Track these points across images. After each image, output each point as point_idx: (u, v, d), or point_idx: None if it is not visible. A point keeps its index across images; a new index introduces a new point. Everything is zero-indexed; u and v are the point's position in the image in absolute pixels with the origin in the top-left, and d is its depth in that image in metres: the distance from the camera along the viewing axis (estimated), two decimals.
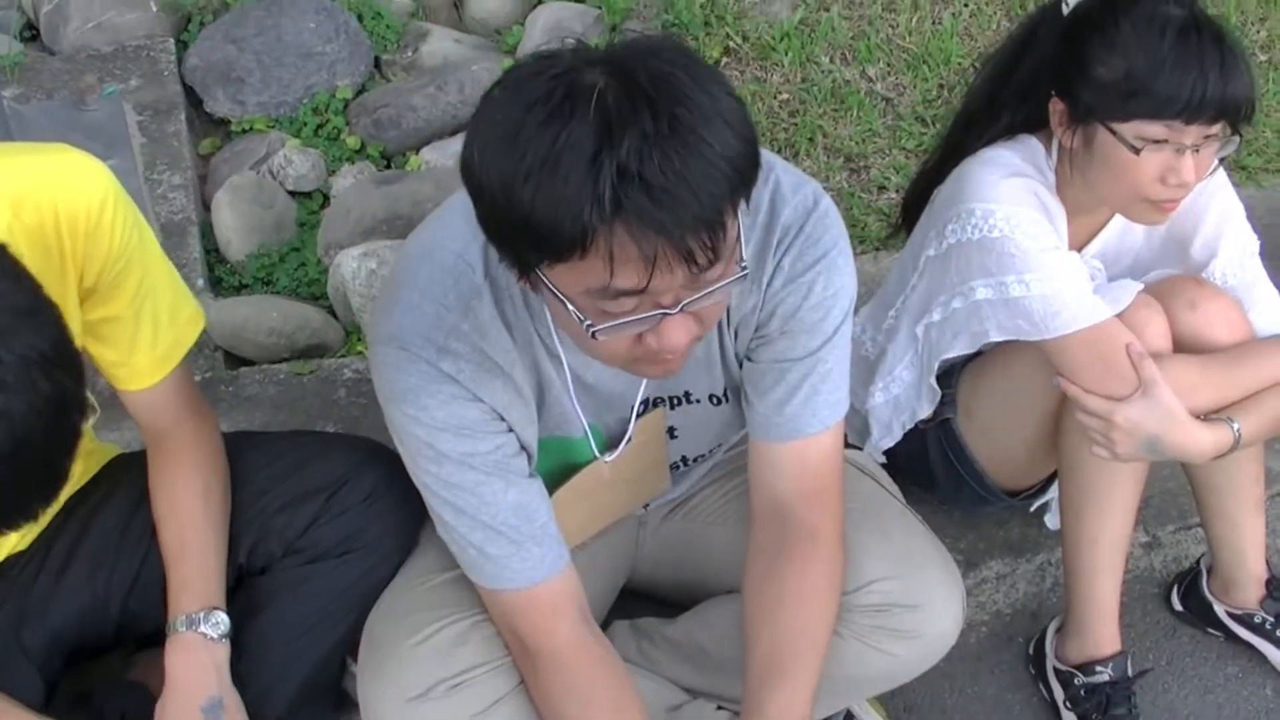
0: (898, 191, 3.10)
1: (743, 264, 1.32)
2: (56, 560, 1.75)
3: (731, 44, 3.47)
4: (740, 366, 1.65)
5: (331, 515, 1.72)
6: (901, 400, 2.14)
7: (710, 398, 1.70)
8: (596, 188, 1.17)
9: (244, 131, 3.35)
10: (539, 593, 1.58)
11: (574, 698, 1.60)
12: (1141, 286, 1.89)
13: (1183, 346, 1.87)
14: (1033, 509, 2.25)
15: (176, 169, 3.14)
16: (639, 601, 2.03)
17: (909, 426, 2.14)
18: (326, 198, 3.17)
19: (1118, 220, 2.02)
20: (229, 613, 1.69)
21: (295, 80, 3.40)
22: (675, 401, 1.70)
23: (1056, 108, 1.86)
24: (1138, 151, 1.77)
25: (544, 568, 1.58)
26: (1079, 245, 2.01)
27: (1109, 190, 1.87)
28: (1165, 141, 1.76)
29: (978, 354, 2.07)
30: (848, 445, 2.08)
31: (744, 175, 1.25)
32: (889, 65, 3.40)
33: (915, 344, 2.07)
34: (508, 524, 1.55)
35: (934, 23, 3.50)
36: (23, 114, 3.01)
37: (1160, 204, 1.83)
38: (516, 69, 1.28)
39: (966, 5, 3.54)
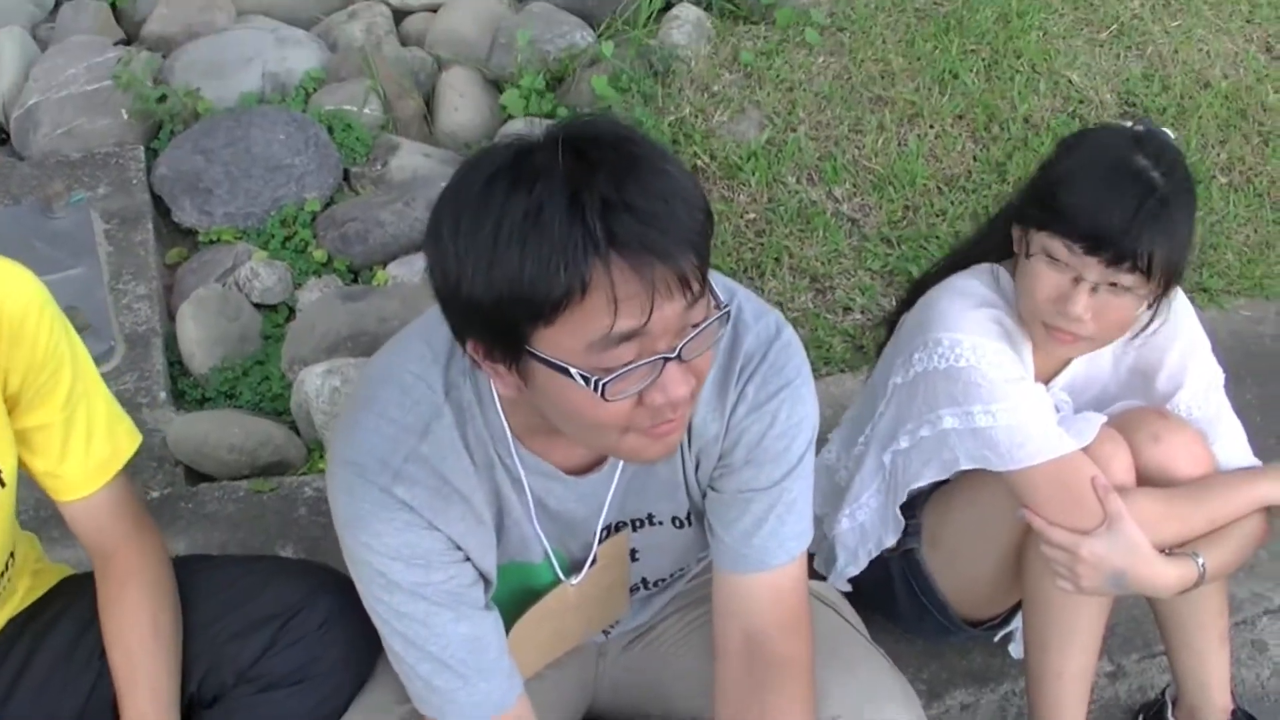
0: (862, 313, 3.12)
1: (725, 305, 1.34)
2: (4, 683, 1.71)
3: (699, 163, 3.50)
4: (704, 495, 1.65)
5: (284, 644, 1.69)
6: (867, 528, 2.13)
7: (673, 520, 1.68)
8: (584, 224, 1.20)
9: (211, 242, 3.35)
10: None
11: None
12: (1105, 419, 1.90)
13: (1147, 480, 1.88)
14: (996, 639, 2.23)
15: (142, 279, 3.13)
16: None
17: (874, 554, 2.13)
18: (293, 310, 3.16)
19: None
20: None
21: (263, 192, 3.40)
22: (638, 524, 1.68)
23: (1015, 230, 1.90)
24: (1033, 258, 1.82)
25: (491, 703, 1.56)
26: (1047, 376, 2.02)
27: (1021, 304, 1.90)
28: (1065, 265, 1.79)
29: (943, 483, 2.07)
30: (812, 574, 2.08)
31: (709, 217, 1.30)
32: (855, 186, 3.44)
33: (882, 471, 2.07)
34: (456, 657, 1.53)
35: (899, 144, 3.55)
36: None
37: (1052, 329, 1.86)
38: (464, 163, 1.32)
39: (932, 127, 3.59)
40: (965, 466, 1.89)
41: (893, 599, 2.16)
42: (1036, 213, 1.84)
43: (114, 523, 1.69)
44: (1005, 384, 1.85)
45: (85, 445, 1.63)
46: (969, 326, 1.89)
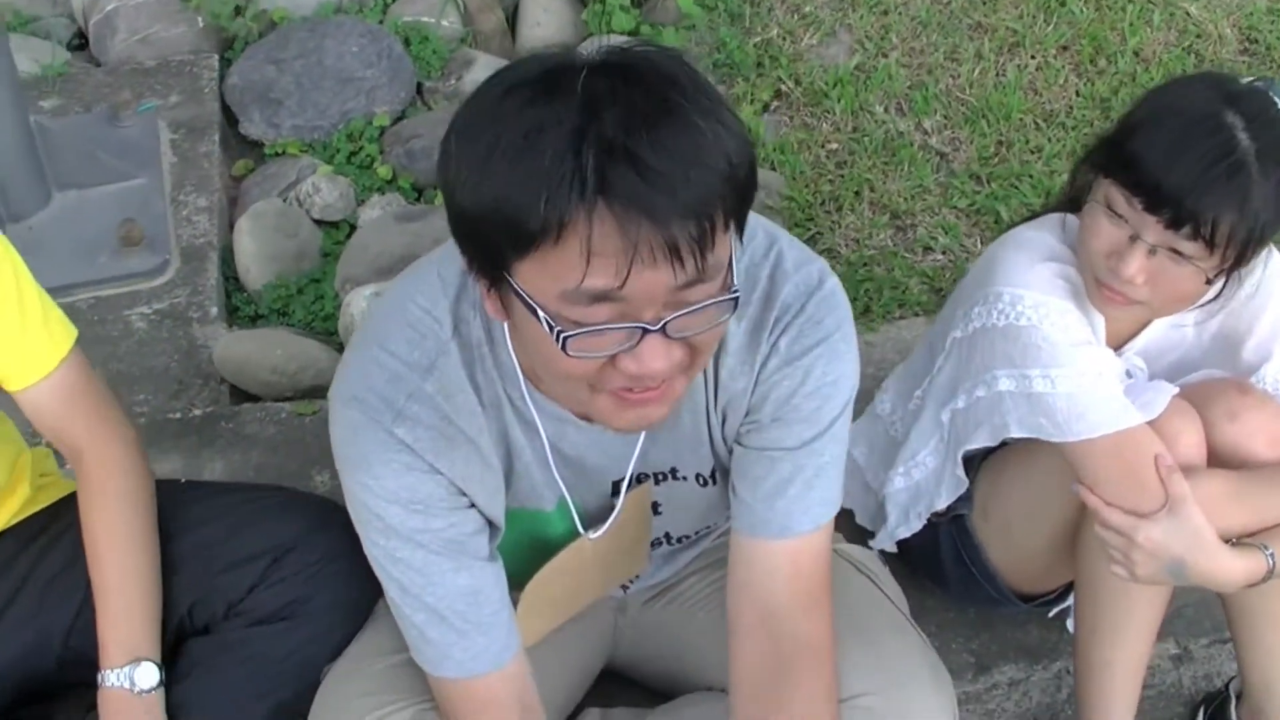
0: (944, 253, 2.95)
1: (734, 289, 1.21)
2: (4, 594, 1.72)
3: (783, 88, 3.35)
4: (730, 452, 1.53)
5: (275, 580, 1.68)
6: (922, 487, 2.00)
7: (697, 477, 1.58)
8: (578, 160, 1.09)
9: (277, 155, 3.28)
10: (477, 686, 1.49)
11: None
12: (1177, 390, 1.74)
13: (1219, 460, 1.72)
14: (1051, 614, 2.09)
15: (204, 191, 3.07)
16: (620, 685, 1.92)
17: (925, 516, 2.00)
18: (354, 228, 3.08)
19: None
20: (169, 669, 1.65)
21: (332, 105, 3.32)
22: (660, 477, 1.58)
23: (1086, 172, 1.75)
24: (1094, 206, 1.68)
25: (486, 659, 1.49)
26: (1122, 339, 1.86)
27: (1078, 253, 1.74)
28: (1124, 220, 1.63)
29: (998, 448, 1.93)
30: (851, 535, 1.96)
31: (740, 183, 1.16)
32: (946, 118, 3.26)
33: (941, 430, 1.93)
34: (453, 609, 1.46)
35: (997, 75, 3.35)
36: (49, 129, 2.96)
37: (1103, 286, 1.70)
38: (497, 70, 1.21)
39: (1033, 58, 3.38)
40: (1016, 434, 1.75)
41: (940, 565, 2.03)
42: (1105, 156, 1.68)
43: (70, 412, 1.68)
44: (1068, 348, 1.71)
45: (20, 332, 1.62)
46: (1033, 282, 1.74)
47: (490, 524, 1.49)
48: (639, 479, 1.57)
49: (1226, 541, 1.68)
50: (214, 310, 2.78)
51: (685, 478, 1.58)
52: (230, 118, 3.39)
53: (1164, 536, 1.66)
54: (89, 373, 1.72)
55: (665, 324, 1.18)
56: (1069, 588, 1.99)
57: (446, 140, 1.20)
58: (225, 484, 1.98)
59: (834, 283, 1.46)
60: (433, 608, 1.46)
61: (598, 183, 1.09)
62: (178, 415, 2.53)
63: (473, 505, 1.45)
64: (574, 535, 1.59)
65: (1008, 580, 1.97)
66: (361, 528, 1.46)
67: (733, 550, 1.56)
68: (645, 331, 1.18)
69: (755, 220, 1.46)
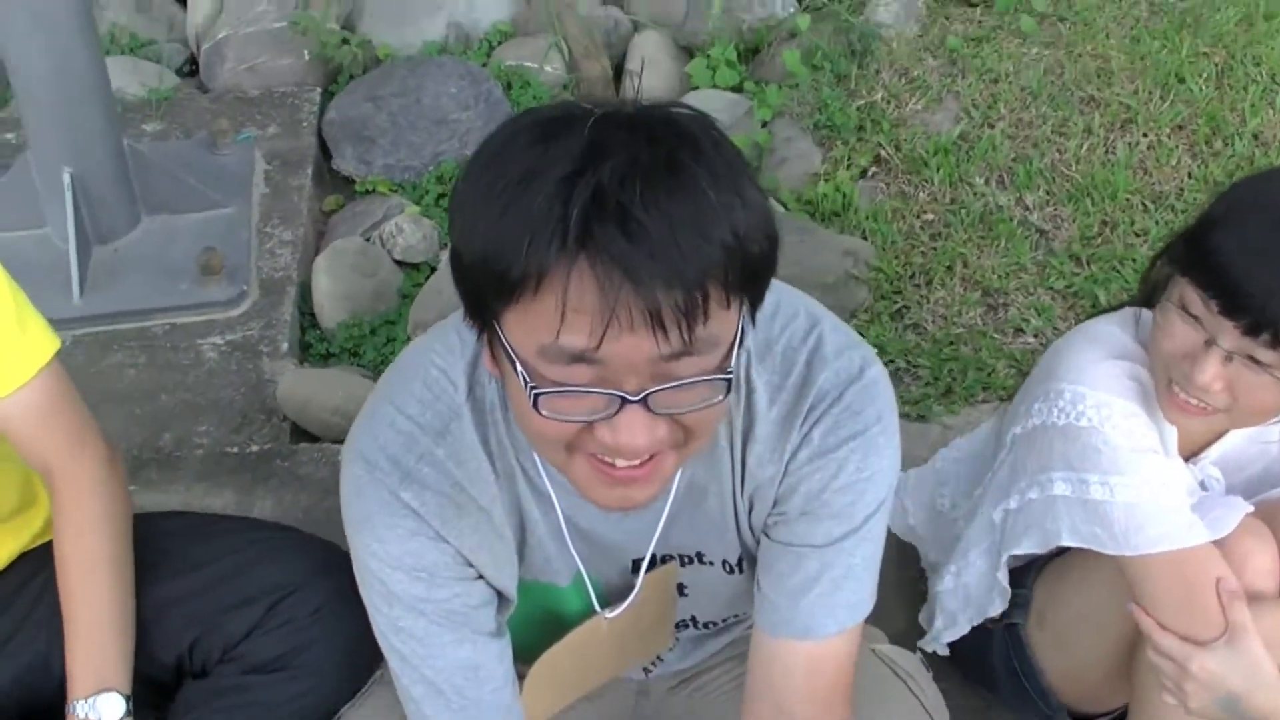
0: (1036, 336, 2.83)
1: (729, 370, 1.12)
2: (7, 623, 1.71)
3: (883, 153, 3.26)
4: (757, 541, 1.45)
5: (273, 626, 1.65)
6: (972, 591, 1.89)
7: (724, 564, 1.50)
8: (565, 209, 1.02)
9: (367, 192, 3.29)
10: None
11: None
12: (1251, 509, 1.62)
13: None
14: None
15: (290, 224, 3.09)
16: None
17: (975, 622, 1.89)
18: (435, 270, 3.06)
19: None
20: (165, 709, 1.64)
21: (426, 145, 3.32)
22: (686, 560, 1.51)
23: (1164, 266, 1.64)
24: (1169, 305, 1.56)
25: None
26: (1197, 447, 1.74)
27: (1150, 353, 1.63)
28: (1199, 323, 1.52)
29: (1058, 555, 1.81)
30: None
31: (749, 260, 1.08)
32: (1049, 194, 3.14)
33: (993, 530, 1.83)
34: (451, 684, 1.40)
35: (1106, 151, 3.22)
36: (142, 154, 2.99)
37: (1174, 397, 1.59)
38: (532, 107, 1.15)
39: (1145, 136, 3.25)
40: (1068, 543, 1.64)
41: (991, 671, 1.92)
42: (1182, 252, 1.56)
43: (41, 435, 1.62)
44: (1130, 453, 1.60)
45: None
46: (1098, 380, 1.64)
47: (501, 596, 1.43)
48: (664, 559, 1.50)
49: None
50: (284, 345, 2.78)
51: (712, 563, 1.51)
52: (326, 152, 3.41)
53: (1220, 668, 1.54)
54: (68, 387, 1.66)
55: (647, 396, 1.10)
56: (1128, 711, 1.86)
57: (457, 180, 1.15)
58: (233, 519, 1.94)
59: (876, 372, 1.38)
60: (430, 681, 1.40)
61: (580, 235, 1.02)
62: (235, 450, 2.53)
63: (480, 576, 1.40)
64: (590, 612, 1.52)
65: (1062, 697, 1.85)
66: (365, 592, 1.41)
67: (753, 644, 1.48)
68: (625, 401, 1.10)
69: (798, 301, 1.38)
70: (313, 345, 2.89)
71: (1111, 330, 1.72)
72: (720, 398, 1.14)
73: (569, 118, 1.08)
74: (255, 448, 2.54)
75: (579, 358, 1.07)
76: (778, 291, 1.34)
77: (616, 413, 1.11)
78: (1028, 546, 1.71)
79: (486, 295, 1.10)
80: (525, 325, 1.08)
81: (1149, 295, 1.69)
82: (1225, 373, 1.52)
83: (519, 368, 1.11)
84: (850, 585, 1.41)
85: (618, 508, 1.24)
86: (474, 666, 1.40)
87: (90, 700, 1.59)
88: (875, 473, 1.37)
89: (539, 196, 1.03)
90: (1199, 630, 1.55)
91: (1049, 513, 1.66)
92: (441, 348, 1.36)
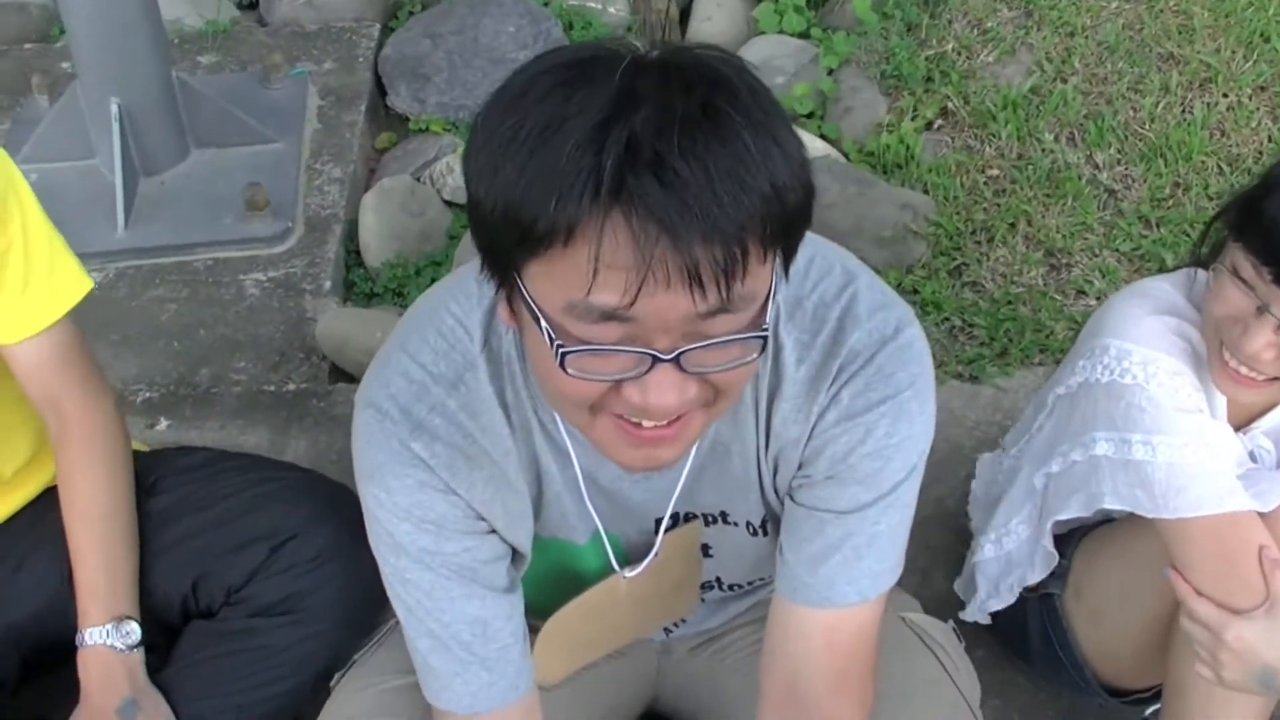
0: (1098, 298, 2.73)
1: (764, 326, 1.07)
2: (17, 556, 1.71)
3: (950, 105, 3.15)
4: (782, 503, 1.40)
5: (276, 569, 1.64)
6: (1014, 557, 1.83)
7: (748, 525, 1.45)
8: (598, 159, 0.96)
9: (420, 131, 3.24)
10: None
11: None
12: None
13: None
14: (1146, 714, 1.89)
15: (340, 161, 3.05)
16: None
17: (1017, 590, 1.82)
18: None
19: None
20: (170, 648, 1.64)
21: (481, 84, 3.26)
22: (710, 519, 1.45)
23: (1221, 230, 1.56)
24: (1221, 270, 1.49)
25: (488, 697, 1.38)
26: (1249, 417, 1.66)
27: (1204, 320, 1.55)
28: (1251, 289, 1.43)
29: (1099, 524, 1.74)
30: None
31: (787, 212, 1.02)
32: (1120, 152, 3.02)
33: (1034, 496, 1.76)
34: (458, 638, 1.36)
35: (1183, 111, 3.09)
36: (192, 87, 2.95)
37: (1225, 363, 1.51)
38: (553, 48, 1.09)
39: (1225, 96, 3.11)
40: (1110, 505, 1.57)
41: (1025, 642, 1.85)
42: (1237, 216, 1.48)
43: (58, 376, 1.63)
44: (1174, 413, 1.52)
45: (22, 283, 1.57)
46: (1144, 337, 1.56)
47: (515, 552, 1.39)
48: (686, 518, 1.45)
49: None
50: (328, 284, 2.74)
51: (736, 524, 1.45)
52: (382, 89, 3.36)
53: (1256, 638, 1.46)
54: (80, 336, 1.67)
55: (680, 355, 1.04)
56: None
57: (473, 122, 1.09)
58: (243, 456, 1.90)
59: (913, 333, 1.30)
60: (436, 635, 1.36)
61: (614, 187, 0.96)
62: (272, 388, 2.50)
63: (493, 531, 1.35)
64: (609, 571, 1.48)
65: (1096, 670, 1.78)
66: (375, 543, 1.37)
67: (771, 608, 1.42)
68: (656, 360, 1.05)
69: (834, 256, 1.32)
70: (357, 284, 2.85)
71: (1162, 286, 1.64)
72: (754, 356, 1.09)
73: (595, 60, 1.02)
74: (292, 386, 2.51)
75: (610, 315, 1.01)
76: (812, 245, 1.27)
77: (647, 372, 1.05)
78: (1073, 511, 1.64)
79: (508, 247, 1.04)
80: (552, 280, 1.02)
81: (1203, 260, 1.61)
82: (1277, 340, 1.44)
83: (543, 324, 1.05)
84: (874, 554, 1.35)
85: (642, 468, 1.19)
86: (482, 621, 1.36)
87: (107, 627, 1.60)
88: (905, 439, 1.30)
89: (568, 145, 0.97)
90: (1237, 598, 1.48)
91: (1093, 475, 1.59)
92: (460, 294, 1.31)
